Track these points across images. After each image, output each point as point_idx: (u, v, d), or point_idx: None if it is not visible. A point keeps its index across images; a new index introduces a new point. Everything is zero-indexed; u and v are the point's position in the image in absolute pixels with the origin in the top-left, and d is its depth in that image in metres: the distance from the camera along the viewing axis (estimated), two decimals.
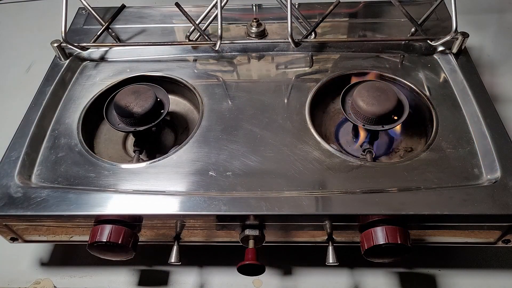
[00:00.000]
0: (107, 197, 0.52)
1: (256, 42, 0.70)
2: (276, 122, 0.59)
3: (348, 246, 0.54)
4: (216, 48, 0.68)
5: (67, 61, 0.69)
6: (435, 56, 0.67)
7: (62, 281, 0.60)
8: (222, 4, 0.68)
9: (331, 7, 0.68)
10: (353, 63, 0.67)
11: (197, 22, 0.70)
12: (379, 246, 0.48)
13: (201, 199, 0.51)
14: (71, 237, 0.56)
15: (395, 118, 0.57)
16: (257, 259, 0.51)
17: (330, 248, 0.53)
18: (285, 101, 0.62)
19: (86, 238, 0.51)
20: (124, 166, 0.56)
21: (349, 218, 0.50)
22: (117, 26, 0.75)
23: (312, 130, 0.58)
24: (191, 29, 0.71)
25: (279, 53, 0.70)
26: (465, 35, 0.65)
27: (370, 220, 0.50)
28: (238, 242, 0.53)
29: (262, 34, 0.72)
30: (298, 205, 0.50)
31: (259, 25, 0.72)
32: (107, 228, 0.50)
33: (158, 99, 0.60)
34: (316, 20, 0.70)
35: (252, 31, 0.71)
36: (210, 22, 0.71)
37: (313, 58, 0.68)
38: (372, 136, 0.60)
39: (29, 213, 0.51)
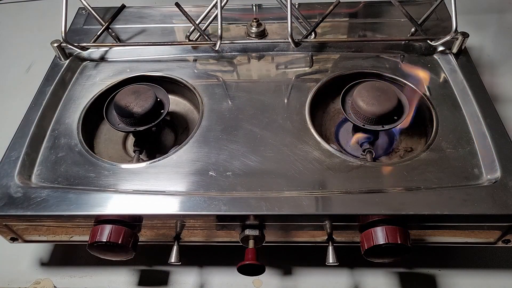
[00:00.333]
0: (107, 197, 0.52)
1: (256, 42, 0.70)
2: (276, 122, 0.59)
3: (348, 246, 0.54)
4: (216, 48, 0.68)
5: (67, 61, 0.69)
6: (435, 56, 0.67)
7: (62, 281, 0.60)
8: (222, 4, 0.68)
9: (331, 7, 0.68)
10: (353, 63, 0.67)
11: (197, 22, 0.70)
12: (379, 246, 0.48)
13: (201, 199, 0.51)
14: (71, 237, 0.56)
15: (395, 118, 0.57)
16: (257, 259, 0.51)
17: (330, 248, 0.53)
18: (285, 101, 0.62)
19: (86, 238, 0.51)
20: (124, 166, 0.56)
21: (349, 218, 0.50)
22: (117, 26, 0.75)
23: (312, 130, 0.58)
24: (191, 29, 0.71)
25: (279, 53, 0.70)
26: (465, 35, 0.65)
27: (370, 220, 0.50)
28: (238, 242, 0.53)
29: (262, 34, 0.72)
30: (298, 205, 0.50)
31: (259, 25, 0.72)
32: (107, 228, 0.50)
33: (158, 99, 0.60)
34: (316, 20, 0.70)
35: (252, 31, 0.71)
36: (210, 22, 0.71)
37: (313, 58, 0.68)
38: (372, 136, 0.60)
39: (29, 213, 0.51)
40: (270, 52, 0.70)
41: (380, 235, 0.48)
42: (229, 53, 0.70)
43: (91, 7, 0.74)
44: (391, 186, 0.52)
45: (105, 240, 0.49)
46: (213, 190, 0.52)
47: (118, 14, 0.76)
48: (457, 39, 0.65)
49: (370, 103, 0.56)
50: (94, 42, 0.71)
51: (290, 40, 0.67)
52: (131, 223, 0.52)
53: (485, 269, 0.59)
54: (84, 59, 0.70)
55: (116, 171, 0.55)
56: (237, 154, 0.56)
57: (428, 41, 0.67)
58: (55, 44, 0.68)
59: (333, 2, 0.69)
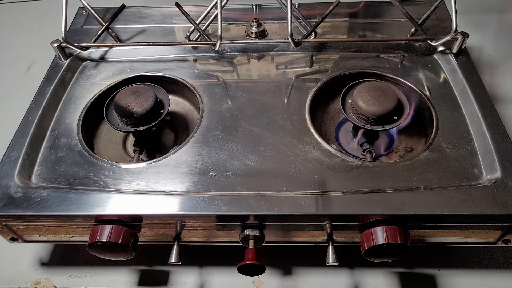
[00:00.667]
0: (107, 197, 0.52)
1: (256, 42, 0.70)
2: (276, 122, 0.59)
3: (348, 246, 0.54)
4: (216, 48, 0.68)
5: (67, 61, 0.69)
6: (435, 56, 0.67)
7: (62, 281, 0.60)
8: (222, 4, 0.68)
9: (331, 7, 0.68)
10: (353, 63, 0.67)
11: (197, 22, 0.70)
12: (379, 246, 0.48)
13: (201, 199, 0.51)
14: (71, 237, 0.56)
15: (395, 118, 0.57)
16: (257, 259, 0.51)
17: (330, 248, 0.53)
18: (285, 101, 0.62)
19: (86, 238, 0.51)
20: (124, 166, 0.56)
21: (349, 218, 0.50)
22: (117, 26, 0.75)
23: (312, 130, 0.58)
24: (191, 29, 0.71)
25: (279, 53, 0.70)
26: (465, 35, 0.65)
27: (370, 220, 0.50)
28: (238, 242, 0.53)
29: (262, 34, 0.72)
30: (298, 205, 0.50)
31: (259, 25, 0.72)
32: (107, 228, 0.50)
33: (158, 99, 0.60)
34: (316, 20, 0.70)
35: (252, 31, 0.71)
36: (210, 22, 0.71)
37: (313, 58, 0.68)
38: (372, 136, 0.60)
39: (29, 213, 0.51)
40: (270, 52, 0.70)
41: (380, 235, 0.48)
42: (229, 53, 0.70)
43: (91, 7, 0.74)
44: (391, 186, 0.52)
45: (105, 240, 0.49)
46: (213, 190, 0.52)
47: (118, 14, 0.76)
48: (457, 39, 0.65)
49: (370, 103, 0.56)
50: (94, 42, 0.71)
51: (290, 40, 0.67)
52: (131, 223, 0.52)
53: (485, 269, 0.59)
54: (84, 59, 0.70)
55: (116, 171, 0.55)
56: (237, 154, 0.56)
57: (428, 41, 0.67)
58: (55, 44, 0.68)
59: (333, 2, 0.69)
